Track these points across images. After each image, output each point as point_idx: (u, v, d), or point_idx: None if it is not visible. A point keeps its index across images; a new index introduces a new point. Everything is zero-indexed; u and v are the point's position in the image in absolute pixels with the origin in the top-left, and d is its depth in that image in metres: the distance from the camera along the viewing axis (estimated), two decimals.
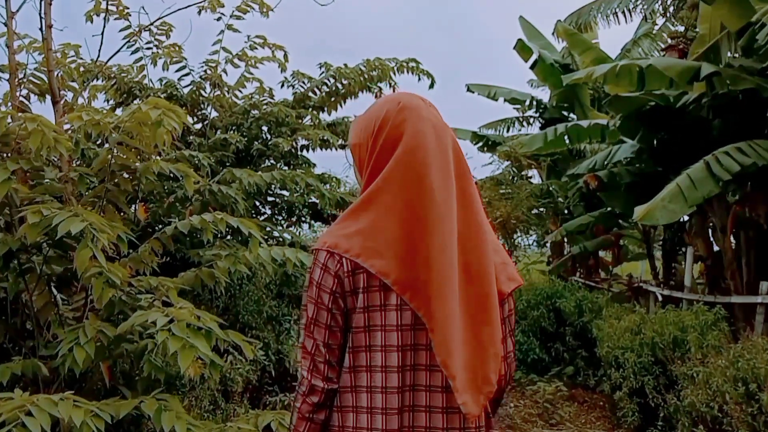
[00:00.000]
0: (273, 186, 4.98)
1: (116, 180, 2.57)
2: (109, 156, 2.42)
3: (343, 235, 1.10)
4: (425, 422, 1.08)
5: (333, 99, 6.16)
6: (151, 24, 4.15)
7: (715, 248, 6.36)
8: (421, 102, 1.16)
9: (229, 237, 4.70)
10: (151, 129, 2.08)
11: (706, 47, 4.80)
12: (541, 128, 9.63)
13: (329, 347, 1.10)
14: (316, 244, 1.13)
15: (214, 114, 5.57)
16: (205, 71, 5.24)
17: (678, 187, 4.06)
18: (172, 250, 3.12)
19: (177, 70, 5.20)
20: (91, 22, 4.89)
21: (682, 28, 6.44)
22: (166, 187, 4.51)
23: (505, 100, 10.71)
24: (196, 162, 3.98)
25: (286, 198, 5.55)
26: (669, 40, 7.68)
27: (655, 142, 6.05)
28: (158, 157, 2.56)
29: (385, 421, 1.07)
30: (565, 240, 10.32)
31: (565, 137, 6.89)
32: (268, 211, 6.19)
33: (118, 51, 3.85)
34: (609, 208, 8.33)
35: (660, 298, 5.57)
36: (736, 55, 4.65)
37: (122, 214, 4.24)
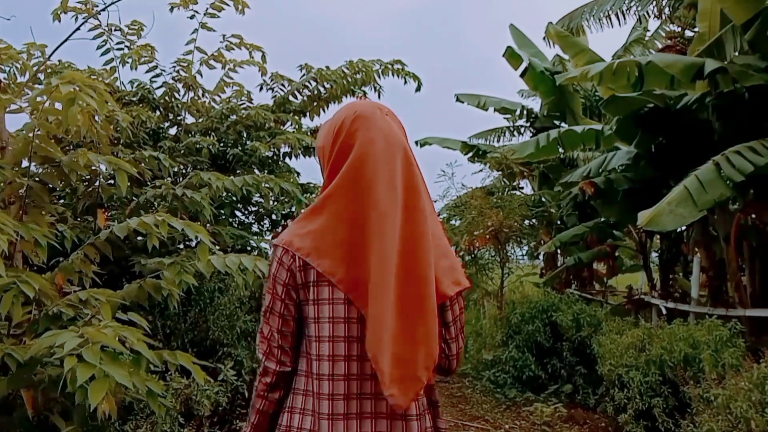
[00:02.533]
0: (251, 193, 4.63)
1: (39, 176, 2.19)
2: (29, 147, 2.04)
3: (297, 235, 1.19)
4: (371, 408, 1.16)
5: (315, 103, 5.83)
6: (106, 7, 3.80)
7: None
8: (377, 111, 1.22)
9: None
10: (64, 108, 1.71)
11: (707, 44, 4.54)
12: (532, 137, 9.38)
13: (282, 334, 1.21)
14: (276, 240, 1.22)
15: (189, 119, 5.22)
16: (178, 72, 4.89)
17: (686, 189, 3.75)
18: (111, 258, 2.73)
19: (147, 71, 4.86)
20: (59, 20, 4.59)
21: (678, 29, 6.21)
22: (134, 192, 4.17)
23: (495, 110, 10.47)
24: (159, 164, 3.62)
25: (263, 205, 5.19)
26: (660, 46, 7.47)
27: (653, 147, 5.77)
28: (85, 150, 2.17)
29: (331, 406, 1.14)
30: (558, 251, 10.02)
31: (558, 143, 6.60)
32: (252, 221, 5.85)
33: (65, 41, 3.49)
34: (603, 218, 8.06)
35: (664, 312, 5.22)
36: (744, 52, 4.38)
37: (79, 219, 3.89)
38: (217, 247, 5.09)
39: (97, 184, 3.80)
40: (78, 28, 3.73)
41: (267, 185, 4.10)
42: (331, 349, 1.15)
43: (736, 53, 4.25)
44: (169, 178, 4.56)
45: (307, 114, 5.85)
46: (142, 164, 3.69)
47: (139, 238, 3.68)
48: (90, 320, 2.37)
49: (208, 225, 4.42)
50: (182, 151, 4.68)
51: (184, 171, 4.70)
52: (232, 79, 5.32)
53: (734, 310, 4.57)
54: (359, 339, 1.15)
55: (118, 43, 4.73)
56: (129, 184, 4.48)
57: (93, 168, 3.56)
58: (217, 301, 4.13)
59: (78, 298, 2.08)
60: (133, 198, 3.77)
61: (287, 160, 5.67)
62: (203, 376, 2.43)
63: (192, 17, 4.69)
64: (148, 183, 3.97)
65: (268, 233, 5.96)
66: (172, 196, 3.56)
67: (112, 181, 4.75)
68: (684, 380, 3.63)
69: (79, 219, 3.94)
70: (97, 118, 3.29)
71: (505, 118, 10.72)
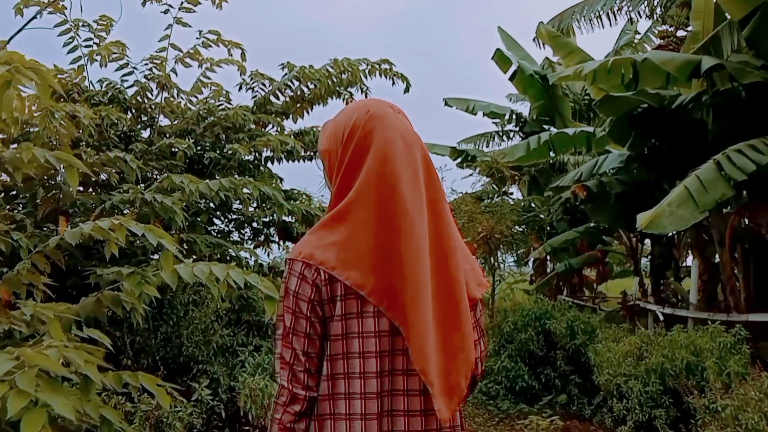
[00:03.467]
0: (229, 198, 4.39)
1: None
2: None
3: (319, 246, 1.10)
4: (404, 426, 1.10)
5: (299, 105, 5.59)
6: None
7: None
8: (389, 110, 1.16)
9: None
10: None
11: (703, 41, 4.40)
12: None
13: (308, 356, 1.11)
14: (291, 254, 1.13)
15: (164, 121, 4.95)
16: (150, 70, 4.62)
17: (686, 190, 3.58)
18: (62, 267, 2.48)
19: (117, 69, 4.59)
20: (21, 15, 4.33)
21: (670, 29, 6.10)
22: (102, 198, 3.90)
23: (483, 114, 10.34)
24: (124, 165, 3.36)
25: (242, 212, 4.93)
26: (651, 49, 7.36)
27: (646, 148, 5.64)
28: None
29: (364, 427, 1.07)
30: (548, 257, 9.87)
31: (549, 146, 6.44)
32: (232, 229, 5.60)
33: (18, 32, 3.23)
34: (594, 223, 7.92)
35: (661, 318, 5.05)
36: (741, 49, 4.24)
37: (45, 228, 3.61)
38: (194, 257, 4.84)
39: (62, 190, 3.54)
40: (34, 17, 3.48)
41: (246, 190, 3.86)
42: (362, 366, 1.08)
43: (733, 50, 4.12)
44: (141, 185, 4.31)
45: (290, 116, 5.61)
46: (108, 167, 3.44)
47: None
48: (41, 339, 2.12)
49: (182, 233, 4.17)
50: (155, 155, 4.42)
51: (157, 176, 4.45)
52: (209, 78, 5.07)
53: (735, 315, 4.40)
54: (390, 352, 1.10)
55: (86, 40, 4.47)
56: (97, 189, 4.25)
57: (54, 170, 3.32)
58: (191, 315, 3.87)
59: (22, 314, 1.82)
60: (102, 203, 3.50)
61: (270, 164, 5.43)
62: (169, 400, 2.18)
63: (166, 12, 4.44)
64: (117, 187, 3.72)
65: (250, 242, 5.71)
66: (141, 201, 3.31)
67: (81, 188, 4.50)
68: (687, 390, 3.45)
69: (45, 228, 3.67)
70: (56, 114, 3.05)
71: (493, 122, 10.60)
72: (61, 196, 3.32)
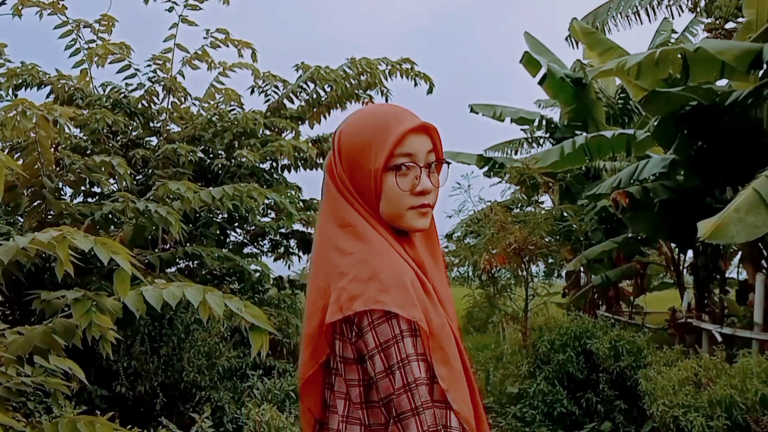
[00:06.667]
0: (238, 208, 4.04)
1: None
2: None
3: None
4: None
5: (315, 109, 5.26)
6: None
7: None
8: None
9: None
10: None
11: (762, 30, 3.92)
12: None
13: None
14: None
15: (174, 128, 4.67)
16: (155, 71, 4.34)
17: (756, 194, 3.09)
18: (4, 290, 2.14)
19: (119, 71, 4.32)
20: (19, 17, 4.13)
21: (714, 20, 5.59)
22: (103, 208, 3.61)
23: (511, 121, 9.90)
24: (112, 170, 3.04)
25: (255, 223, 4.60)
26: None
27: (693, 151, 5.12)
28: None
29: None
30: (581, 269, 9.31)
31: (585, 150, 5.96)
32: (246, 240, 5.28)
33: None
34: (632, 233, 7.38)
35: (719, 339, 4.50)
36: None
37: None
38: (204, 271, 4.49)
39: (46, 199, 3.24)
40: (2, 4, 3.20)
41: (253, 197, 3.52)
42: None
43: None
44: (149, 194, 4.00)
45: (307, 121, 5.28)
46: (96, 173, 3.14)
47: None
48: None
49: (185, 245, 3.85)
50: (160, 162, 4.12)
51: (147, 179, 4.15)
52: (223, 84, 4.80)
53: None
54: None
55: (88, 42, 4.22)
56: (90, 198, 3.98)
57: (39, 177, 3.03)
58: (194, 335, 3.51)
59: None
60: (82, 213, 3.19)
61: (287, 173, 5.10)
62: None
63: (170, 10, 4.16)
64: (110, 196, 3.42)
65: (269, 254, 5.38)
66: (133, 210, 2.98)
67: (82, 198, 4.21)
68: (765, 428, 2.93)
69: None
70: (27, 113, 2.76)
71: (522, 129, 10.14)
72: (44, 206, 3.03)
